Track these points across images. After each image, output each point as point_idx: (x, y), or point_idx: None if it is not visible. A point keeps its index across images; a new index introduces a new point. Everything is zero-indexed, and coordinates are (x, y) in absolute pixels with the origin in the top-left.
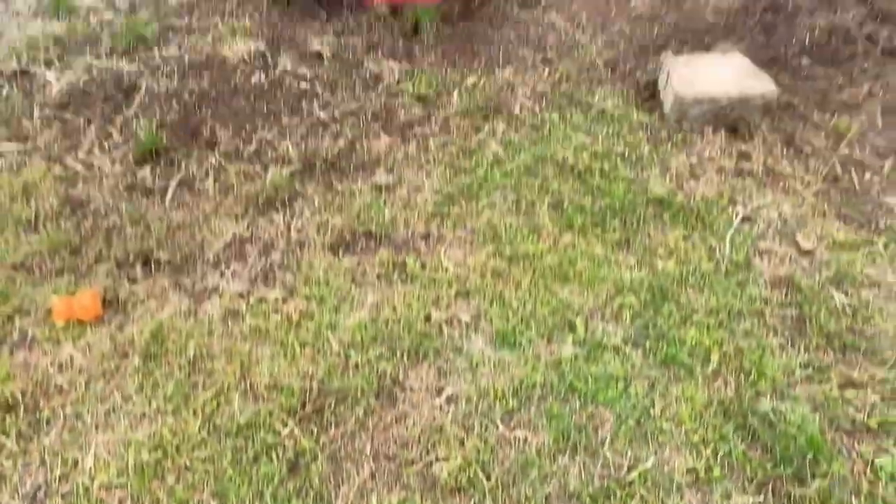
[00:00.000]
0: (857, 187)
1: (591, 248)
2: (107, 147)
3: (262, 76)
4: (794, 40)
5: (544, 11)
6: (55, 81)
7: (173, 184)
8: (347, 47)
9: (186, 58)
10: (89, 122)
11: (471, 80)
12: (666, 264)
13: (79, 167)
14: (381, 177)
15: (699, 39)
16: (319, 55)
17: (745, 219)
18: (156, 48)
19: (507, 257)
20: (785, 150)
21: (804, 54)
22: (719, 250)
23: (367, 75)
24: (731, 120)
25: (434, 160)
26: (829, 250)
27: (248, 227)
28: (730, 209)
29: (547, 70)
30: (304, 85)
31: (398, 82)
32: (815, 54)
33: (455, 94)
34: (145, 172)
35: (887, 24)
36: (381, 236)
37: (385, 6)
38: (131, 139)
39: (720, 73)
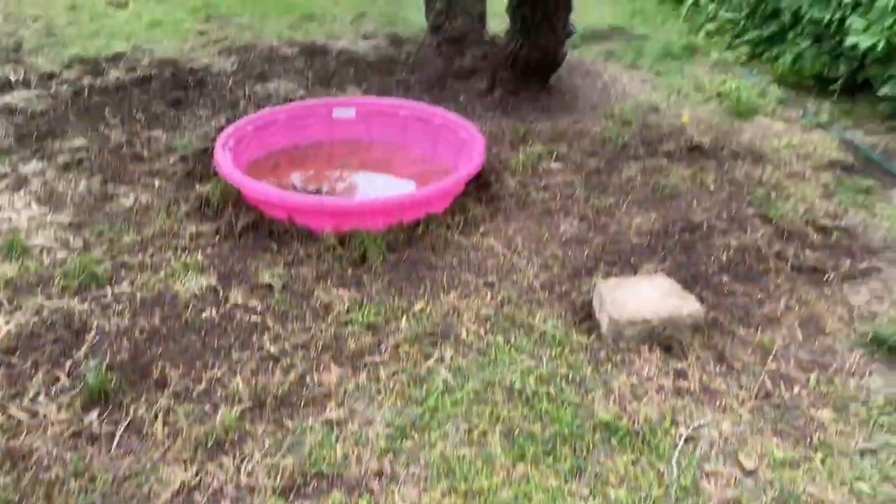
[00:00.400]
0: (788, 402)
1: (545, 479)
2: (53, 393)
3: (214, 311)
4: (712, 258)
5: (483, 237)
6: (3, 325)
7: (121, 429)
8: (297, 278)
9: (138, 295)
10: (37, 366)
11: (418, 305)
12: (618, 493)
13: (23, 416)
14: (331, 412)
15: (626, 260)
16: (270, 287)
17: (688, 439)
18: (108, 286)
19: (462, 493)
20: (717, 366)
21: (723, 272)
22: (667, 474)
23: (318, 304)
24: (663, 339)
25: (385, 390)
26: (771, 469)
27: (196, 474)
28: (673, 430)
29: (489, 293)
30: (254, 318)
31: (348, 311)
32: (732, 271)
33: (403, 320)
34: (92, 417)
35: (792, 242)
36: (334, 476)
37: (333, 237)
38: (79, 383)
39: (648, 295)
